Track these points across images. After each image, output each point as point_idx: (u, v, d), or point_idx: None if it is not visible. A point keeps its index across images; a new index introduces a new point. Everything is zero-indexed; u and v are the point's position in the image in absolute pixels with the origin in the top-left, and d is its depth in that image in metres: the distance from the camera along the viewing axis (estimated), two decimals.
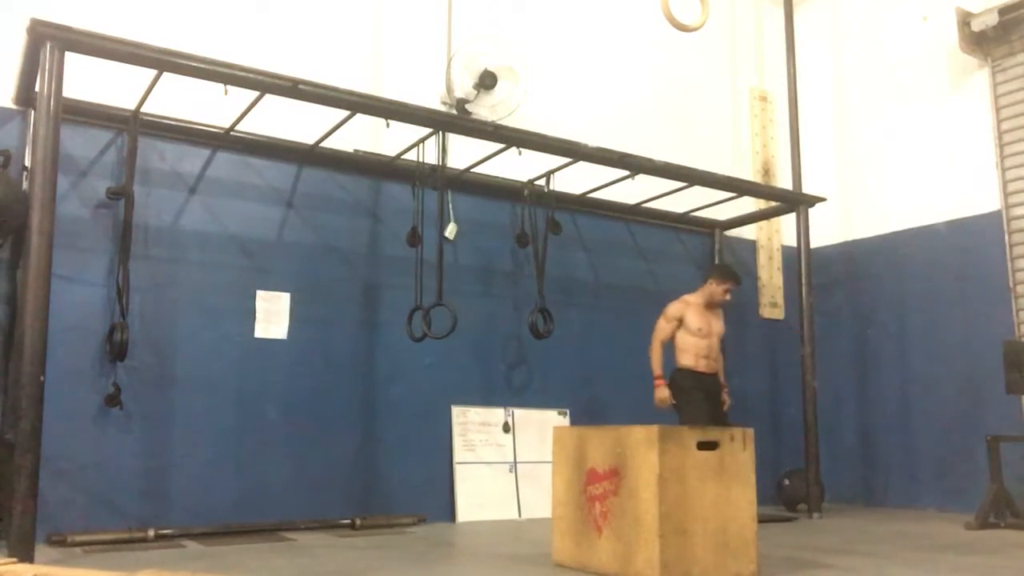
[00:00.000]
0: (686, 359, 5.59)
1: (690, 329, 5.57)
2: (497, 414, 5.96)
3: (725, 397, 5.76)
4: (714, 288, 5.65)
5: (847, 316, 7.36)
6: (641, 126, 6.77)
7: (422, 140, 5.33)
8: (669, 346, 5.68)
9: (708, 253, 7.16)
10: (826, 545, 4.69)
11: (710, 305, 5.68)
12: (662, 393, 5.47)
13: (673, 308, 5.64)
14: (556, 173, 6.02)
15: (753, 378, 7.19)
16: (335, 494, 5.24)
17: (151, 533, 4.47)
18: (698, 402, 5.45)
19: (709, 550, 3.49)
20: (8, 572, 2.31)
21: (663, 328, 5.60)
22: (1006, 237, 6.33)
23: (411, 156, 5.47)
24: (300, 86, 4.53)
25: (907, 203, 7.00)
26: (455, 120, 5.42)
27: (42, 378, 3.71)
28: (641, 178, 5.96)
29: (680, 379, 5.57)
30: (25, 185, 4.44)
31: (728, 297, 5.66)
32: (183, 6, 5.18)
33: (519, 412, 6.04)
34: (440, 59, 5.97)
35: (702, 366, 5.59)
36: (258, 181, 5.31)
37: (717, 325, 5.71)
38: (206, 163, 5.15)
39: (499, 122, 5.52)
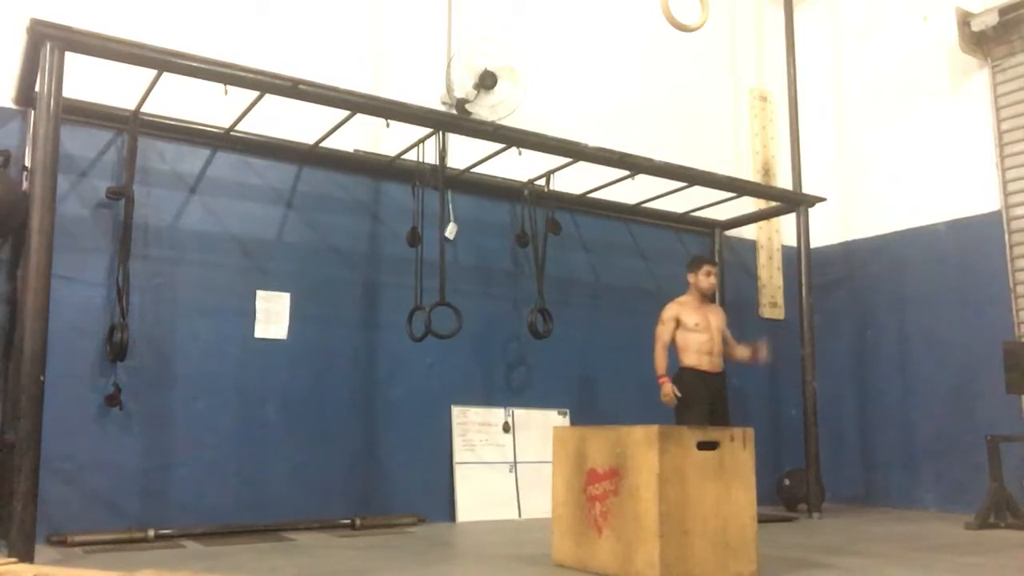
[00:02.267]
0: (689, 358, 5.59)
1: (688, 326, 5.58)
2: (497, 414, 5.96)
3: (745, 348, 5.72)
4: (696, 278, 5.67)
5: (847, 316, 7.37)
6: (641, 126, 6.77)
7: (422, 140, 5.34)
8: (672, 354, 5.66)
9: (708, 253, 7.15)
10: (826, 545, 4.69)
11: (703, 300, 5.70)
12: (666, 389, 5.46)
13: (668, 310, 5.67)
14: (556, 173, 6.02)
15: (753, 378, 7.18)
16: (335, 494, 5.25)
17: (151, 533, 4.47)
18: (698, 408, 5.41)
19: (709, 550, 3.49)
20: (8, 572, 2.31)
21: (661, 332, 5.62)
22: (1006, 237, 6.33)
23: (411, 156, 5.47)
24: (300, 86, 4.53)
25: (907, 203, 7.00)
26: (455, 120, 5.42)
27: (42, 378, 3.71)
28: (641, 178, 5.96)
29: (683, 379, 5.54)
30: (25, 185, 4.44)
31: (712, 279, 5.66)
32: (183, 6, 5.18)
33: (519, 412, 6.04)
34: (440, 59, 5.97)
35: (705, 364, 5.57)
36: (258, 181, 5.31)
37: (715, 319, 5.69)
38: (206, 163, 5.15)
39: (499, 122, 5.52)
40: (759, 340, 5.77)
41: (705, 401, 5.49)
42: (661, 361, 5.56)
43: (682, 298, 5.73)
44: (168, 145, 5.03)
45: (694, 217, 6.94)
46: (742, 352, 5.74)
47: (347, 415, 5.39)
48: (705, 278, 5.66)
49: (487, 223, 6.12)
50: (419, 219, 5.42)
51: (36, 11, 3.99)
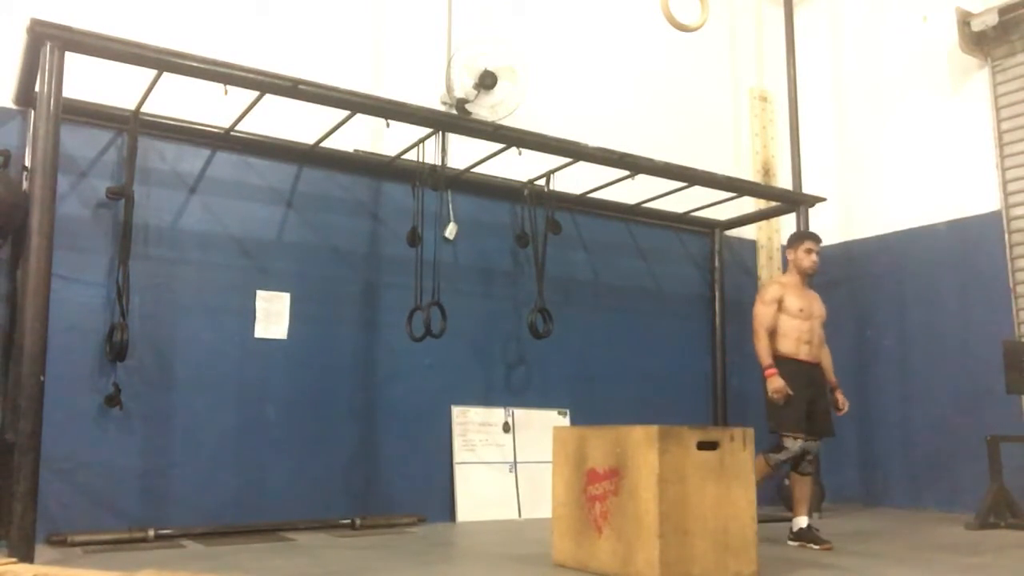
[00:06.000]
0: (786, 345, 4.90)
1: (790, 311, 4.92)
2: (497, 414, 5.96)
3: (840, 398, 5.07)
4: (796, 256, 5.05)
5: (847, 316, 7.36)
6: (641, 126, 6.77)
7: (422, 140, 5.33)
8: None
9: (708, 253, 7.16)
10: None
11: (806, 282, 5.11)
12: (776, 383, 4.74)
13: (771, 290, 5.03)
14: (556, 173, 6.02)
15: (753, 378, 7.16)
16: (335, 494, 5.24)
17: (151, 533, 4.46)
18: (796, 404, 4.75)
19: (709, 550, 3.49)
20: (8, 572, 2.31)
21: (763, 313, 4.93)
22: (1006, 237, 6.33)
23: (411, 156, 5.47)
24: (300, 86, 4.53)
25: (907, 203, 7.00)
26: (455, 120, 5.42)
27: (42, 378, 3.70)
28: (641, 178, 5.96)
29: (779, 370, 4.84)
30: (25, 185, 4.44)
31: (814, 257, 5.05)
32: (183, 6, 5.18)
33: (519, 412, 6.04)
34: (440, 59, 5.97)
35: (804, 353, 4.91)
36: (258, 181, 5.31)
37: (818, 307, 5.06)
38: (206, 163, 5.15)
39: (499, 122, 5.51)
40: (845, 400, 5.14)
41: (805, 396, 4.81)
42: (765, 348, 4.84)
43: (784, 278, 5.18)
44: (168, 145, 5.03)
45: (694, 217, 6.94)
46: (839, 393, 5.10)
47: (347, 415, 5.39)
48: (806, 255, 5.01)
49: (487, 223, 6.11)
50: (419, 219, 5.42)
51: (36, 11, 3.99)
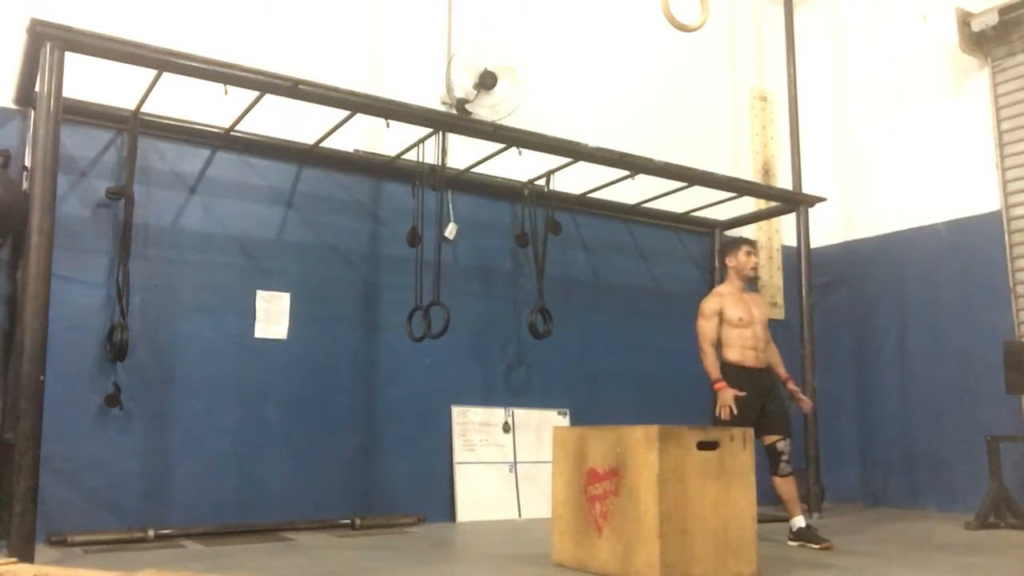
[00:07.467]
0: (733, 354, 4.93)
1: (730, 321, 4.94)
2: (497, 414, 5.96)
3: (794, 388, 5.10)
4: (738, 261, 5.05)
5: (847, 316, 7.37)
6: (641, 126, 6.77)
7: (422, 140, 5.33)
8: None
9: (708, 253, 7.16)
10: None
11: (744, 288, 5.09)
12: (726, 397, 4.74)
13: (709, 304, 5.04)
14: (556, 173, 6.02)
15: None
16: (335, 494, 5.24)
17: (151, 533, 4.47)
18: (743, 409, 4.76)
19: (709, 550, 3.49)
20: (8, 572, 2.31)
21: (705, 328, 4.96)
22: (1006, 237, 6.33)
23: (411, 156, 5.47)
24: (300, 86, 4.53)
25: (907, 203, 7.00)
26: (455, 120, 5.42)
27: (42, 378, 3.71)
28: (641, 178, 5.96)
29: (726, 377, 4.87)
30: (25, 185, 4.44)
31: (755, 259, 5.09)
32: (183, 6, 5.18)
33: (519, 412, 6.04)
34: (440, 59, 5.97)
35: (750, 359, 4.93)
36: (258, 181, 5.31)
37: (759, 311, 5.05)
38: (206, 163, 5.15)
39: (499, 122, 5.51)
40: (805, 396, 5.23)
41: (754, 404, 4.83)
42: (712, 362, 4.86)
43: (722, 288, 5.14)
44: (168, 145, 5.03)
45: (694, 217, 6.94)
46: (791, 384, 5.14)
47: (347, 415, 5.39)
48: (747, 258, 5.02)
49: (487, 223, 6.11)
50: (419, 219, 5.42)
51: (36, 11, 3.99)
